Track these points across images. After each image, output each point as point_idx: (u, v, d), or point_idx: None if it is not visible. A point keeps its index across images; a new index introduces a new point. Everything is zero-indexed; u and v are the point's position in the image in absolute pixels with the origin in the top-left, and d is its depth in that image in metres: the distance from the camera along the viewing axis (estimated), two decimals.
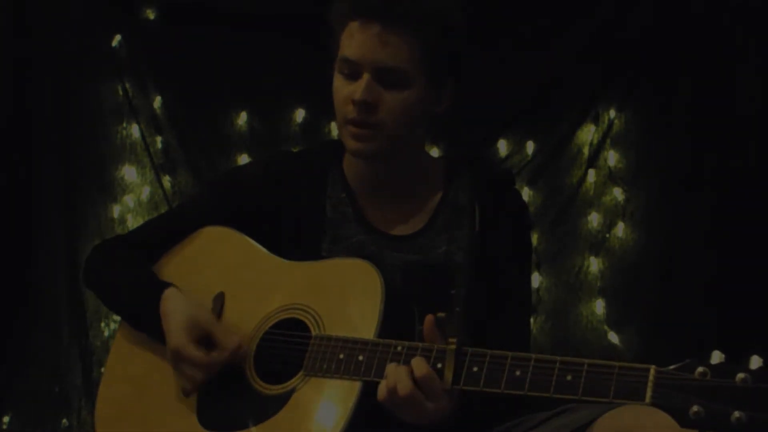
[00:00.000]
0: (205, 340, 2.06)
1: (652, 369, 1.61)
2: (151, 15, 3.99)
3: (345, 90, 2.06)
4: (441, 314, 1.85)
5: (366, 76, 2.03)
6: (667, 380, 1.59)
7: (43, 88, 3.92)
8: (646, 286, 3.84)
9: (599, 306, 3.88)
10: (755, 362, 1.51)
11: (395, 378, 1.83)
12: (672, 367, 1.59)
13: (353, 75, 2.05)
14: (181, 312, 2.08)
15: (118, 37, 3.98)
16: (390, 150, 2.08)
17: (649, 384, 1.60)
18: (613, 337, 3.86)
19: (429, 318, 1.85)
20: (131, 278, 2.20)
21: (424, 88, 2.07)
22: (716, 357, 1.55)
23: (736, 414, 1.50)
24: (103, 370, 2.28)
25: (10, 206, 3.92)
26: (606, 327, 3.87)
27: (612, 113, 3.91)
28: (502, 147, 3.97)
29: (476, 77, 2.50)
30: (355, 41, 2.04)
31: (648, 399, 1.59)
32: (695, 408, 1.53)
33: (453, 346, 1.82)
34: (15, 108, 3.92)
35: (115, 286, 2.22)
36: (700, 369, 1.55)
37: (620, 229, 3.90)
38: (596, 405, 1.80)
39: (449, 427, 1.89)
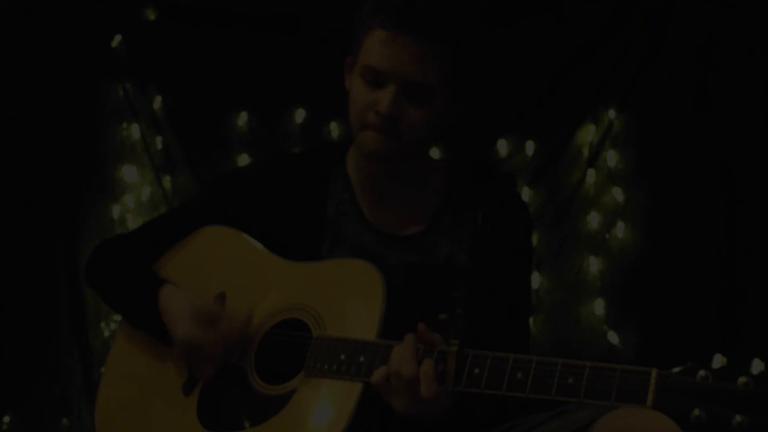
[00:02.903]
0: (213, 323, 2.06)
1: (654, 372, 1.61)
2: (151, 15, 3.99)
3: (367, 97, 2.05)
4: (443, 316, 1.85)
5: (392, 88, 2.02)
6: (669, 383, 1.59)
7: (44, 88, 3.92)
8: (646, 286, 3.83)
9: (599, 306, 3.88)
10: (757, 366, 1.51)
11: (399, 361, 1.83)
12: (674, 370, 1.59)
13: (377, 83, 2.04)
14: (182, 304, 2.08)
15: (118, 37, 3.98)
16: (403, 155, 2.09)
17: (651, 387, 1.60)
18: (613, 337, 3.86)
19: (421, 326, 1.85)
20: (130, 277, 2.21)
21: (445, 104, 2.07)
22: (718, 361, 1.56)
23: (738, 418, 1.50)
24: (103, 370, 2.28)
25: (10, 206, 3.93)
26: (606, 327, 3.87)
27: (612, 113, 3.91)
28: (502, 147, 3.96)
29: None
30: (384, 51, 2.02)
31: (650, 402, 1.59)
32: (696, 411, 1.53)
33: (455, 348, 1.82)
34: (15, 108, 3.92)
35: (115, 285, 2.23)
36: (701, 372, 1.55)
37: (620, 229, 3.89)
38: (596, 406, 1.80)
39: (448, 426, 1.90)
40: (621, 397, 1.64)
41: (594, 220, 3.91)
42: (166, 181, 4.01)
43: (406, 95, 2.03)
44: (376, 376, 1.87)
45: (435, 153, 3.70)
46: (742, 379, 1.51)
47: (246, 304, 2.11)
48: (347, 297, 2.01)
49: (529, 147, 3.96)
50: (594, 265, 3.89)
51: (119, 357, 2.24)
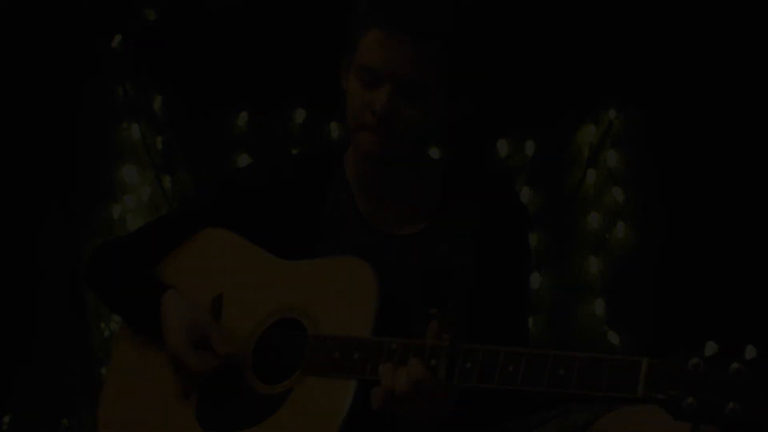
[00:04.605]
0: (204, 342, 2.07)
1: (645, 361, 1.61)
2: (151, 15, 4.00)
3: (363, 97, 2.04)
4: (434, 310, 1.86)
5: (387, 87, 2.02)
6: (660, 372, 1.59)
7: (43, 88, 3.92)
8: (646, 286, 3.83)
9: (599, 306, 3.88)
10: (749, 353, 1.51)
11: (391, 381, 1.83)
12: (665, 358, 1.59)
13: (372, 83, 2.03)
14: (181, 314, 2.09)
15: (118, 37, 3.99)
16: (401, 155, 2.09)
17: (642, 376, 1.60)
18: (613, 337, 3.86)
19: (433, 324, 1.86)
20: (132, 280, 2.21)
21: (442, 102, 2.07)
22: (710, 348, 1.56)
23: (731, 405, 1.50)
24: (104, 370, 2.29)
25: (9, 206, 3.93)
26: (606, 327, 3.87)
27: (612, 113, 3.92)
28: (502, 147, 3.96)
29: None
30: (380, 51, 2.02)
31: (641, 391, 1.59)
32: (689, 399, 1.53)
33: (446, 343, 1.82)
34: (15, 108, 3.93)
35: (116, 287, 2.24)
36: (693, 360, 1.55)
37: (620, 229, 3.90)
38: (593, 406, 1.80)
39: (448, 426, 1.90)
40: (612, 387, 1.63)
41: (594, 220, 3.91)
42: (166, 181, 4.02)
43: (402, 94, 2.03)
44: (375, 398, 1.86)
45: (435, 153, 3.71)
46: (734, 366, 1.51)
47: (243, 305, 2.11)
48: (342, 295, 2.01)
49: (529, 147, 3.96)
50: (594, 265, 3.90)
51: (121, 358, 2.25)
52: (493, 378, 1.76)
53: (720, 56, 3.76)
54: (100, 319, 3.92)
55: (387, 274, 1.99)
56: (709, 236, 3.76)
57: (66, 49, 3.92)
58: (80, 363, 3.92)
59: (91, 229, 3.95)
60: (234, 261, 2.17)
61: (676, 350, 1.57)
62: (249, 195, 2.21)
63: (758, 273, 3.69)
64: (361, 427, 1.91)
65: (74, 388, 3.91)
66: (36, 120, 3.95)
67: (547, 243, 3.90)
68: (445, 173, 2.20)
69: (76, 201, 3.99)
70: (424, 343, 1.85)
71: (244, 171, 2.50)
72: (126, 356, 2.23)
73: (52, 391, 3.92)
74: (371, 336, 1.93)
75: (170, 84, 4.01)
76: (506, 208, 2.17)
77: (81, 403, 3.89)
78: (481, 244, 2.13)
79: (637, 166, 3.89)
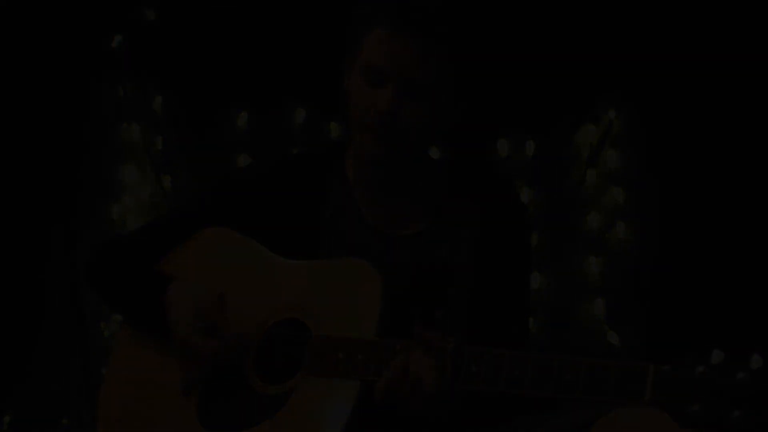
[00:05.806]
0: (211, 330, 2.07)
1: (652, 367, 1.62)
2: (151, 15, 4.00)
3: (367, 97, 2.05)
4: (440, 313, 1.86)
5: (392, 87, 2.02)
6: (667, 379, 1.60)
7: (43, 88, 3.92)
8: (646, 286, 3.84)
9: (599, 306, 3.89)
10: (755, 362, 1.52)
11: (393, 375, 1.84)
12: (671, 365, 1.59)
13: (377, 82, 2.04)
14: (187, 302, 2.09)
15: (118, 37, 3.98)
16: (403, 156, 2.09)
17: (648, 382, 1.61)
18: (613, 337, 3.86)
19: (435, 325, 1.86)
20: (134, 277, 2.21)
21: (445, 102, 2.08)
22: (716, 356, 1.57)
23: (735, 412, 1.51)
24: (104, 370, 2.29)
25: (9, 206, 3.93)
26: (606, 327, 3.87)
27: (612, 113, 3.92)
28: (502, 147, 3.97)
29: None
30: (384, 50, 2.03)
31: (647, 397, 1.60)
32: (694, 406, 1.54)
33: (451, 345, 1.83)
34: (15, 109, 3.93)
35: (117, 286, 2.23)
36: (700, 368, 1.56)
37: (620, 229, 3.90)
38: (593, 406, 1.81)
39: (448, 425, 1.90)
40: (619, 393, 1.64)
41: (594, 220, 3.92)
42: (166, 181, 4.02)
43: (406, 94, 2.03)
44: (376, 392, 1.87)
45: (435, 153, 3.71)
46: (740, 375, 1.52)
47: (246, 304, 2.11)
48: (346, 296, 2.01)
49: (529, 147, 3.96)
50: (594, 265, 3.90)
51: (121, 359, 2.25)
52: (499, 382, 1.77)
53: (720, 56, 3.76)
54: (100, 319, 3.92)
55: (387, 275, 1.99)
56: (710, 236, 3.77)
57: (66, 49, 3.92)
58: (80, 363, 3.92)
59: (91, 229, 3.95)
60: (236, 260, 2.17)
61: (682, 357, 1.58)
62: (249, 195, 2.21)
63: (758, 273, 3.70)
64: (364, 429, 1.91)
65: (74, 388, 3.91)
66: (35, 120, 3.94)
67: (547, 243, 3.90)
68: (445, 173, 2.20)
69: (76, 201, 3.99)
70: (429, 345, 1.86)
71: (244, 171, 2.50)
72: (126, 356, 2.23)
73: (52, 391, 3.92)
74: (375, 338, 1.93)
75: (170, 84, 4.00)
76: (507, 209, 2.17)
77: (81, 403, 3.89)
78: (481, 245, 2.13)
79: (637, 166, 3.89)
